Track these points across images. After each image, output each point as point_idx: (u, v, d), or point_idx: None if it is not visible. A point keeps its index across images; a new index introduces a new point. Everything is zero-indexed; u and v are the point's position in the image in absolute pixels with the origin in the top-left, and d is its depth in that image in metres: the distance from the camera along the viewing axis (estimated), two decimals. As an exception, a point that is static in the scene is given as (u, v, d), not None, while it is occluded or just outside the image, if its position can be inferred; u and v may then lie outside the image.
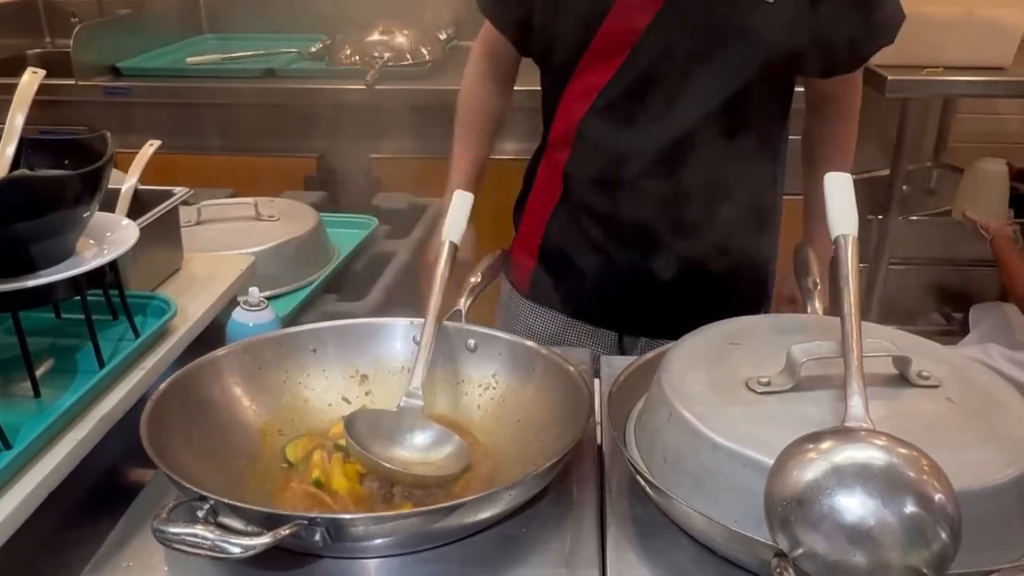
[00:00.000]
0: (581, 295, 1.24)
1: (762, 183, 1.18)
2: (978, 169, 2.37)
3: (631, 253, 1.16)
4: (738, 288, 1.19)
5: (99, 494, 0.80)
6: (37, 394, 0.81)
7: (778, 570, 0.60)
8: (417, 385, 0.84)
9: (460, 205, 0.96)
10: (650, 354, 0.88)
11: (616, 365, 0.93)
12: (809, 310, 0.94)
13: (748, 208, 1.14)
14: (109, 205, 1.05)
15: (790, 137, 1.49)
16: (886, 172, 2.40)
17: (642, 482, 0.72)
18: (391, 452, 0.80)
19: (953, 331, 2.51)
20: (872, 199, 2.39)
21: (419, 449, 0.81)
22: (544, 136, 1.24)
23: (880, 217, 2.37)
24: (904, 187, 2.39)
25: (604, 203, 1.15)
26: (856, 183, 0.78)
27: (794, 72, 1.14)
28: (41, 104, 0.86)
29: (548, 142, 1.22)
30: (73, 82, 2.31)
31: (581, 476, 0.81)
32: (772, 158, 1.19)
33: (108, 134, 0.86)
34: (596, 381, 0.96)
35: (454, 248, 0.93)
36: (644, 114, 1.09)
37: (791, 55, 1.08)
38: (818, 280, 0.97)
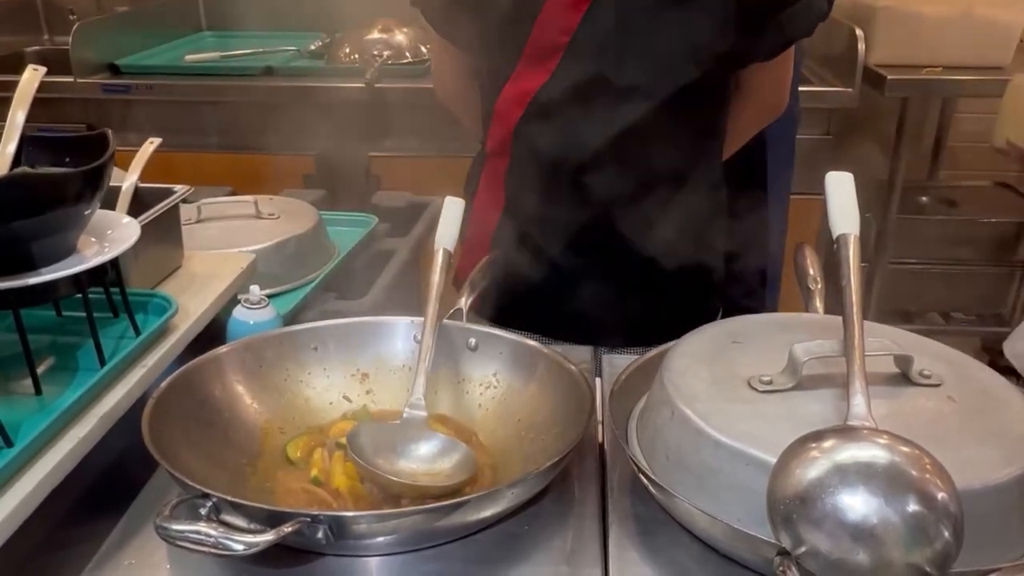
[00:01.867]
0: (545, 312, 1.18)
1: (707, 174, 1.17)
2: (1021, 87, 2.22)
3: (585, 259, 1.13)
4: (697, 284, 1.17)
5: (100, 492, 0.80)
6: (38, 392, 0.81)
7: (781, 568, 0.60)
8: (419, 395, 0.83)
9: (452, 211, 0.96)
10: (651, 352, 0.88)
11: (618, 363, 0.93)
12: (810, 309, 0.94)
13: (696, 201, 1.13)
14: (109, 203, 1.04)
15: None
16: (885, 171, 2.40)
17: (644, 480, 0.72)
18: (396, 465, 0.79)
19: (952, 331, 2.52)
20: (871, 198, 2.39)
21: (424, 460, 0.80)
22: (483, 146, 1.21)
23: (869, 214, 2.38)
24: (902, 186, 2.39)
25: (550, 209, 1.12)
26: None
27: (725, 62, 1.11)
28: (39, 101, 0.86)
29: (487, 150, 1.19)
30: (72, 79, 2.30)
31: (583, 474, 0.81)
32: (716, 149, 1.18)
33: (109, 132, 0.86)
34: (597, 380, 0.97)
35: (448, 255, 0.92)
36: (581, 115, 1.07)
37: (718, 45, 1.06)
38: (818, 279, 0.97)
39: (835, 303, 0.96)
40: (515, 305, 1.16)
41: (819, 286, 0.96)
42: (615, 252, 1.12)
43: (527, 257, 1.14)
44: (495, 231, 1.18)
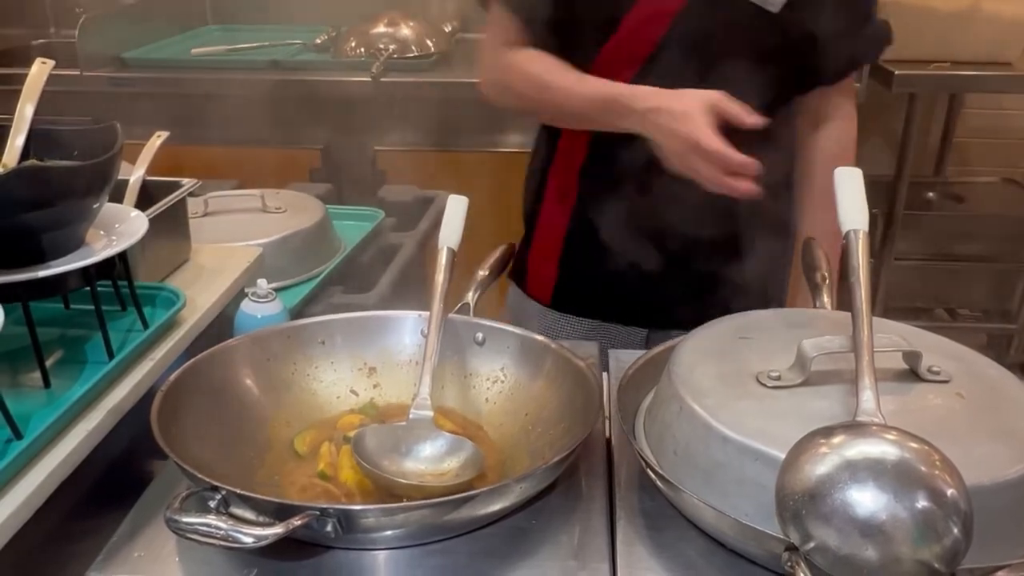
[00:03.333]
0: (609, 298, 1.23)
1: (780, 170, 1.16)
2: None
3: (657, 250, 1.14)
4: (761, 275, 1.17)
5: (109, 484, 0.81)
6: (47, 384, 0.81)
7: (789, 564, 0.61)
8: (425, 395, 0.83)
9: (455, 209, 0.96)
10: (659, 348, 0.88)
11: (625, 359, 0.93)
12: (818, 305, 0.93)
13: (768, 197, 1.13)
14: (117, 196, 1.05)
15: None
16: (892, 166, 2.40)
17: (652, 475, 0.72)
18: (402, 466, 0.79)
19: (958, 327, 2.51)
20: (877, 193, 2.38)
21: (431, 460, 0.80)
22: (553, 140, 1.22)
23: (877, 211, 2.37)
24: (909, 181, 2.38)
25: (626, 203, 1.13)
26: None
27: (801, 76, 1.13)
28: (45, 94, 0.86)
29: (559, 146, 1.21)
30: (78, 73, 2.30)
31: (590, 469, 0.81)
32: (788, 154, 1.19)
33: (117, 125, 0.86)
34: (604, 375, 0.97)
35: (452, 254, 0.92)
36: None
37: (793, 62, 1.08)
38: (826, 274, 0.97)
39: (843, 299, 0.96)
40: (583, 293, 1.24)
41: (827, 281, 0.96)
42: (692, 241, 1.12)
43: (600, 249, 1.16)
44: (568, 225, 1.22)
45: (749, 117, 0.95)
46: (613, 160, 1.12)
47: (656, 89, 1.02)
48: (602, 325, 1.26)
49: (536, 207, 1.27)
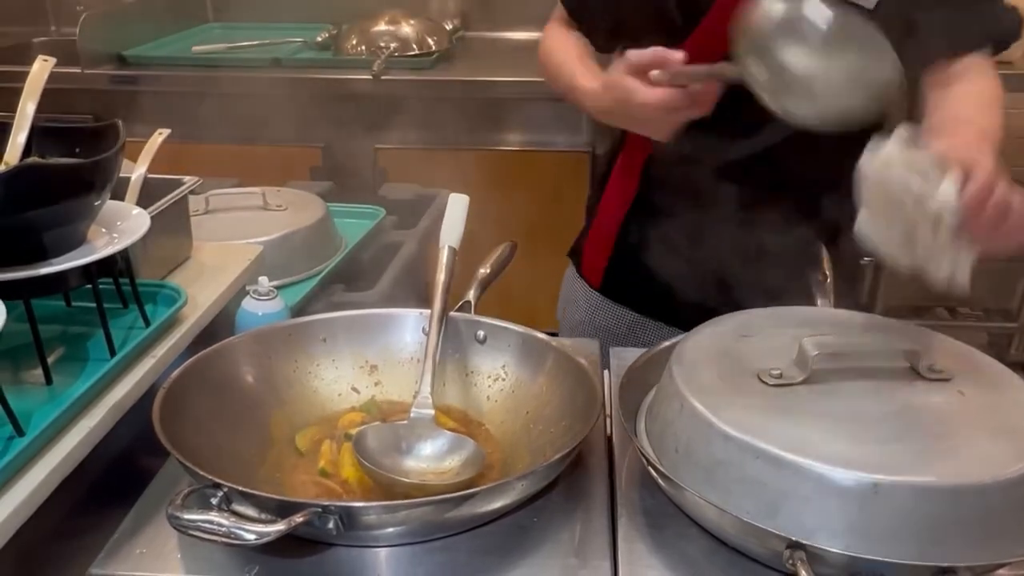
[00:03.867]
0: (654, 295, 1.20)
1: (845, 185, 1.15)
2: None
3: (709, 255, 1.10)
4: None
5: (111, 481, 0.81)
6: (49, 381, 0.81)
7: (791, 562, 0.61)
8: (426, 394, 0.83)
9: (456, 208, 0.96)
10: (660, 346, 0.88)
11: (626, 357, 0.93)
12: (819, 303, 0.94)
13: (830, 212, 1.11)
14: (119, 194, 1.04)
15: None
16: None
17: (653, 473, 0.73)
18: (403, 465, 0.79)
19: (958, 325, 2.51)
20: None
21: (432, 459, 0.80)
22: (622, 134, 1.21)
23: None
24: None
25: (683, 205, 1.11)
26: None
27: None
28: (46, 92, 0.86)
29: (626, 141, 1.20)
30: (79, 70, 2.30)
31: (592, 467, 0.81)
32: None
33: (120, 122, 0.86)
34: (606, 373, 0.97)
35: (453, 253, 0.92)
36: (735, 120, 1.02)
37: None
38: (827, 274, 0.97)
39: (843, 297, 0.96)
40: (629, 285, 1.24)
41: (827, 280, 0.96)
42: (743, 250, 1.09)
43: (652, 246, 1.14)
44: (624, 219, 1.22)
45: (667, 54, 0.93)
46: (677, 157, 1.09)
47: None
48: (645, 321, 1.26)
49: (599, 191, 1.27)
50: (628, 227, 1.22)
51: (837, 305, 0.94)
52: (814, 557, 0.61)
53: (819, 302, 0.94)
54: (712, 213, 1.09)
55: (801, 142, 0.98)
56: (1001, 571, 0.63)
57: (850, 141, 1.10)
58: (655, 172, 1.16)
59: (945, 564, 0.60)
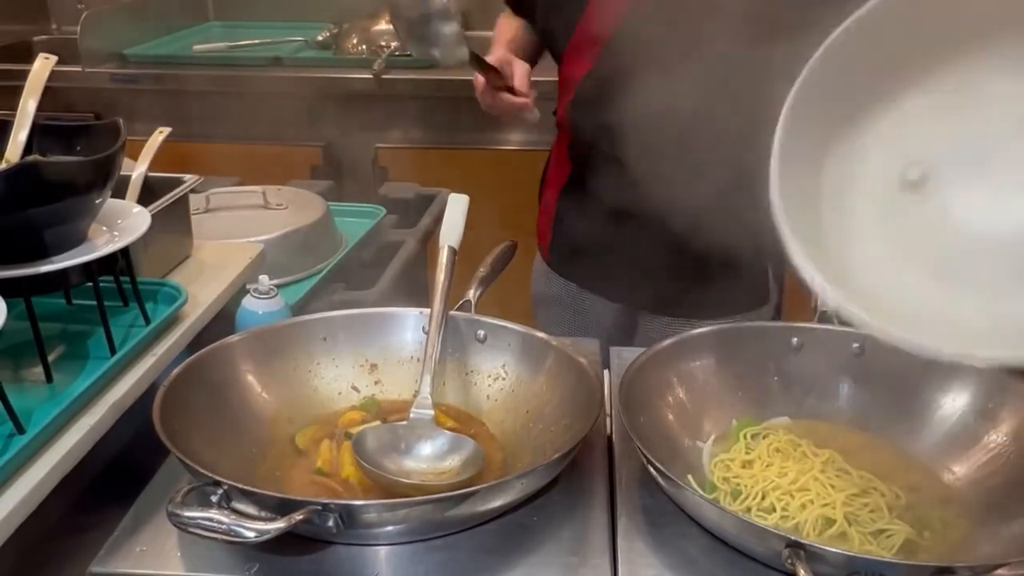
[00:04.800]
0: (590, 269, 1.29)
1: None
2: None
3: (633, 229, 1.18)
4: (743, 265, 1.18)
5: (111, 479, 0.81)
6: (49, 379, 0.81)
7: (789, 561, 0.61)
8: (426, 395, 0.83)
9: (456, 208, 0.96)
10: (659, 346, 0.88)
11: (626, 356, 0.93)
12: (819, 304, 0.93)
13: (748, 177, 1.12)
14: (119, 192, 1.04)
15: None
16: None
17: (653, 472, 0.73)
18: (403, 465, 0.79)
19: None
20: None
21: (432, 459, 0.80)
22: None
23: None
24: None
25: (604, 182, 1.18)
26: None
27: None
28: (47, 90, 0.86)
29: (557, 122, 1.27)
30: (79, 69, 2.30)
31: (591, 466, 0.81)
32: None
33: (120, 121, 0.86)
34: (606, 372, 0.97)
35: (453, 253, 0.92)
36: (624, 100, 1.07)
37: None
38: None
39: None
40: (569, 259, 1.32)
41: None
42: (663, 223, 1.10)
43: (583, 221, 1.25)
44: (559, 195, 1.30)
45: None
46: (587, 144, 1.19)
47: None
48: (584, 294, 1.32)
49: (545, 171, 1.37)
50: (562, 205, 1.30)
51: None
52: (813, 556, 0.61)
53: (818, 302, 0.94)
54: (631, 189, 1.09)
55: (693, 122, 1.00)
56: (1000, 571, 0.63)
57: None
58: (578, 151, 1.24)
59: (944, 564, 0.60)
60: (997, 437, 0.80)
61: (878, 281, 0.67)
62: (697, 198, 1.09)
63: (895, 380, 0.86)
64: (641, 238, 1.19)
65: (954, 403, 0.84)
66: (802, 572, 0.60)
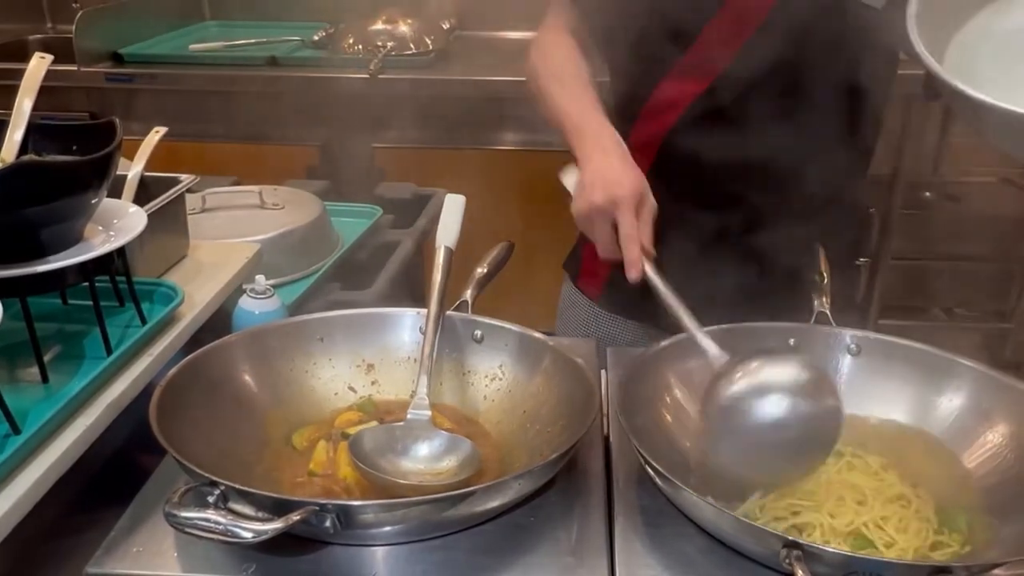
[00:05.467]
0: (656, 304, 1.19)
1: (854, 193, 1.12)
2: None
3: (712, 262, 1.08)
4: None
5: (108, 479, 0.81)
6: (45, 379, 0.81)
7: (787, 561, 0.61)
8: (423, 395, 0.83)
9: (453, 208, 0.95)
10: (658, 346, 0.88)
11: (623, 357, 0.93)
12: (816, 306, 0.94)
13: (836, 220, 1.10)
14: (115, 191, 1.04)
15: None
16: (888, 165, 2.40)
17: (651, 472, 0.73)
18: (401, 466, 0.79)
19: (953, 326, 2.52)
20: (874, 193, 2.39)
21: (429, 460, 0.80)
22: (625, 136, 1.14)
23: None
24: (905, 181, 2.38)
25: (685, 215, 1.08)
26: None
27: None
28: (42, 89, 0.86)
29: (631, 143, 1.12)
30: (75, 68, 2.30)
31: (589, 467, 0.81)
32: (865, 166, 1.14)
33: (117, 120, 0.86)
34: (603, 372, 0.97)
35: (449, 253, 0.92)
36: (735, 131, 1.04)
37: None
38: (824, 274, 0.98)
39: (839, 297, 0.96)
40: (631, 295, 1.11)
41: (825, 281, 0.96)
42: (748, 260, 1.08)
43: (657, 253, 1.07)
44: None
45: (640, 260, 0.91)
46: (678, 171, 1.08)
47: (608, 147, 0.99)
48: (648, 329, 1.21)
49: None
50: None
51: (833, 305, 0.94)
52: (811, 556, 0.61)
53: (816, 303, 0.94)
54: (716, 219, 1.08)
55: (800, 150, 0.98)
56: (997, 571, 0.63)
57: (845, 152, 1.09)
58: (657, 179, 1.09)
59: (941, 564, 0.60)
60: (994, 437, 0.80)
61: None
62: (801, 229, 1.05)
63: (892, 379, 0.87)
64: (728, 270, 1.08)
65: (951, 403, 0.84)
66: (800, 572, 0.60)
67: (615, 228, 0.93)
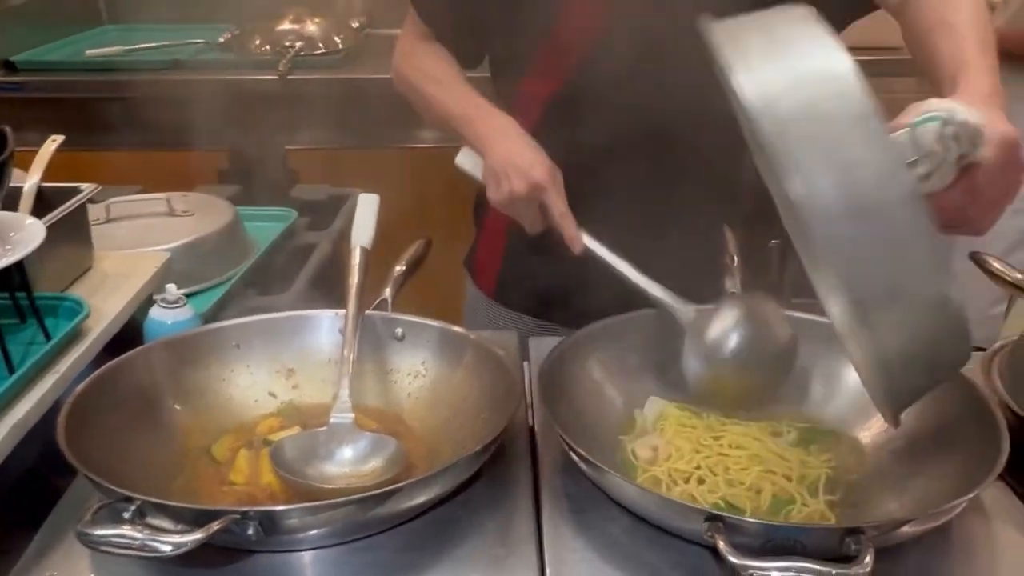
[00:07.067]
0: (549, 296, 1.16)
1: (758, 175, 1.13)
2: None
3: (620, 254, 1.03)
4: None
5: (16, 504, 0.77)
6: (-58, 404, 0.77)
7: (710, 534, 0.62)
8: (344, 398, 0.82)
9: (366, 208, 0.95)
10: (578, 334, 0.90)
11: (544, 346, 0.94)
12: (728, 286, 0.96)
13: (742, 202, 1.10)
14: (11, 204, 1.00)
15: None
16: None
17: (575, 457, 0.73)
18: (325, 471, 0.78)
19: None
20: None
21: (354, 462, 0.79)
22: None
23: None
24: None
25: (578, 194, 1.04)
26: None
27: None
28: (-72, 101, 0.82)
29: None
30: (-37, 78, 2.19)
31: (514, 457, 0.82)
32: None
33: (8, 129, 0.83)
34: (525, 364, 0.97)
35: (365, 253, 0.91)
36: (603, 114, 1.03)
37: None
38: (734, 256, 1.00)
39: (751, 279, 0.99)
40: (524, 288, 1.19)
41: (735, 263, 0.99)
42: (632, 244, 1.02)
43: (541, 244, 1.05)
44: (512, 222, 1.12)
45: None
46: (557, 161, 1.05)
47: (505, 130, 0.99)
48: (543, 324, 1.20)
49: (484, 199, 1.15)
50: (515, 227, 1.07)
51: (744, 288, 0.96)
52: (732, 528, 0.63)
53: (727, 283, 0.97)
54: (609, 203, 1.05)
55: (699, 129, 0.99)
56: (906, 528, 0.66)
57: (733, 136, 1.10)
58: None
59: (852, 525, 0.63)
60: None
61: None
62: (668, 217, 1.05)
63: (801, 358, 0.90)
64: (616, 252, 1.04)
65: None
66: (721, 543, 0.62)
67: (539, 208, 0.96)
